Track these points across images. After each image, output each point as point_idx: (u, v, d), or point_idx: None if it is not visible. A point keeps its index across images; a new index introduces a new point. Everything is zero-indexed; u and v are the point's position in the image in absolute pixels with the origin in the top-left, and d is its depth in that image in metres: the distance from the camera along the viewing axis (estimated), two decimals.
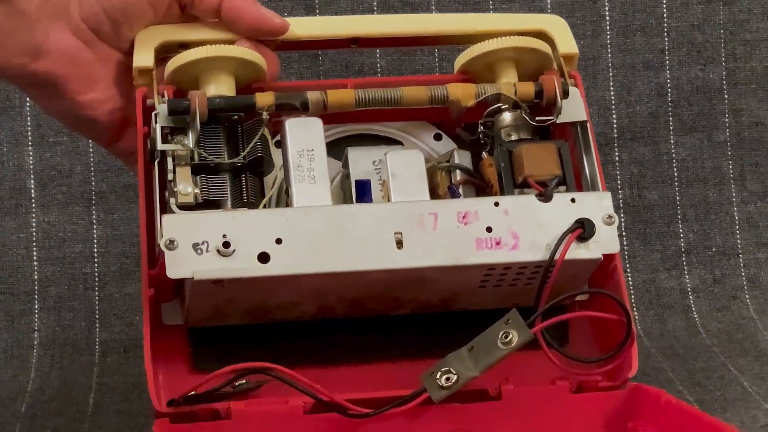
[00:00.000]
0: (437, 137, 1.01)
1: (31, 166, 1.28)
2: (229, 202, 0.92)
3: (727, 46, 1.33)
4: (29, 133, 1.28)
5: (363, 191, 0.95)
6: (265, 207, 0.93)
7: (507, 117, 0.96)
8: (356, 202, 0.95)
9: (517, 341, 0.87)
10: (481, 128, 0.97)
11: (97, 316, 1.25)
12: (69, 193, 1.27)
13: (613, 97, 1.32)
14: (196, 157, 0.92)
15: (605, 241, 0.91)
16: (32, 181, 1.28)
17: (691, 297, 1.30)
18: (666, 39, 1.32)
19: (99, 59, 0.97)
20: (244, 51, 0.94)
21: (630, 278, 1.30)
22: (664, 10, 1.33)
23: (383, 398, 0.90)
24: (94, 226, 1.27)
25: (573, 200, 0.91)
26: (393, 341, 0.98)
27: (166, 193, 0.91)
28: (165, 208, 0.90)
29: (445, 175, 0.97)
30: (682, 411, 0.88)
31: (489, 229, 0.90)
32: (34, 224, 1.27)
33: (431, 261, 0.89)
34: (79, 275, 1.26)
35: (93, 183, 1.28)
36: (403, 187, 0.93)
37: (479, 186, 0.96)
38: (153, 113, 0.92)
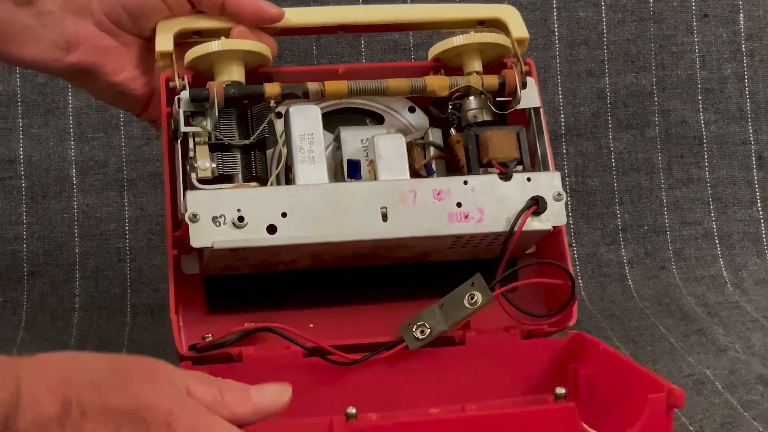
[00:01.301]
0: (411, 110, 1.02)
1: (73, 158, 1.30)
2: (240, 176, 0.94)
3: (656, 57, 1.36)
4: (71, 130, 1.30)
5: (353, 169, 0.97)
6: (272, 182, 0.95)
7: (473, 101, 0.98)
8: (347, 177, 0.97)
9: (481, 302, 0.91)
10: (450, 108, 0.99)
11: (128, 284, 1.27)
12: (105, 181, 1.30)
13: (561, 100, 1.35)
14: (213, 137, 0.94)
15: (555, 215, 0.94)
16: (74, 170, 1.30)
17: (626, 267, 1.32)
18: (605, 51, 1.36)
19: (123, 45, 1.00)
20: (252, 44, 0.96)
21: (575, 251, 1.32)
22: (604, 27, 1.36)
23: (368, 344, 0.94)
24: (126, 208, 1.30)
25: (528, 179, 0.94)
26: (375, 287, 1.01)
27: (188, 167, 0.93)
28: (186, 180, 0.93)
29: (420, 151, 0.99)
30: (617, 359, 0.91)
31: (459, 204, 0.93)
32: (75, 206, 1.29)
33: (411, 232, 0.92)
34: (113, 249, 1.29)
35: (125, 172, 1.30)
36: (388, 167, 0.95)
37: (449, 159, 0.99)
38: (176, 97, 0.94)
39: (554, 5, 1.35)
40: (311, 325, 0.92)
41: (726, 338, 1.16)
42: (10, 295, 1.27)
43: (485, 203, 0.93)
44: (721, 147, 1.37)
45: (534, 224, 0.94)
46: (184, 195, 0.91)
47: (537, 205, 0.94)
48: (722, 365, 1.09)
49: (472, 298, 0.92)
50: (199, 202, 0.90)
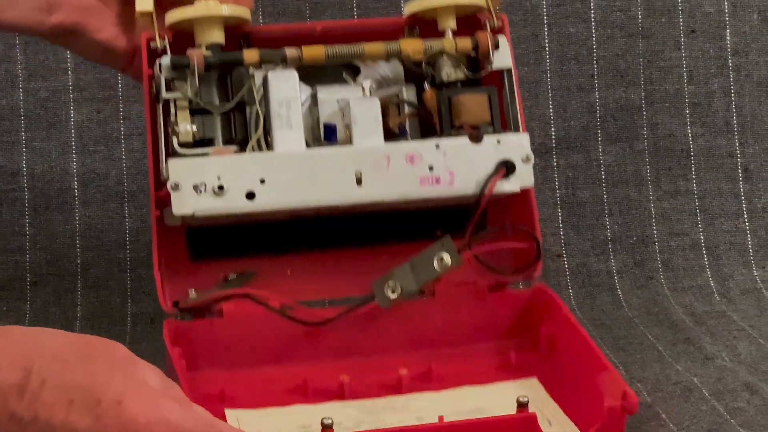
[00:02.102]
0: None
1: (75, 170, 1.30)
2: (220, 138, 0.97)
3: (645, 71, 1.36)
4: (73, 143, 1.30)
5: (329, 133, 0.99)
6: (252, 146, 0.96)
7: (447, 60, 0.99)
8: (324, 140, 0.99)
9: (450, 265, 0.96)
10: (424, 65, 1.00)
11: (128, 294, 1.27)
12: (106, 193, 1.29)
13: (551, 114, 1.35)
14: (193, 102, 0.95)
15: (523, 177, 0.97)
16: (75, 182, 1.30)
17: (616, 277, 1.32)
18: (595, 66, 1.35)
19: (104, 3, 1.01)
20: (231, 8, 0.97)
21: (566, 262, 1.31)
22: (594, 42, 1.35)
23: (342, 299, 0.99)
24: (127, 220, 1.29)
25: (498, 141, 0.97)
26: (353, 234, 1.04)
27: (170, 130, 0.95)
28: (168, 143, 0.95)
29: (395, 108, 1.01)
30: (575, 330, 0.94)
31: (431, 168, 0.95)
32: (77, 218, 1.29)
33: (384, 196, 0.95)
34: (114, 260, 1.28)
35: (125, 184, 1.30)
36: (363, 132, 0.96)
37: (423, 115, 1.01)
38: (157, 60, 0.95)
39: (545, 21, 1.36)
40: (289, 272, 0.95)
41: (713, 347, 1.16)
42: (13, 304, 1.27)
43: (456, 166, 0.96)
44: (708, 160, 1.37)
45: (503, 186, 0.97)
46: (165, 160, 0.93)
47: (506, 169, 0.96)
48: (709, 373, 1.09)
49: (441, 260, 0.96)
50: (180, 170, 0.93)
